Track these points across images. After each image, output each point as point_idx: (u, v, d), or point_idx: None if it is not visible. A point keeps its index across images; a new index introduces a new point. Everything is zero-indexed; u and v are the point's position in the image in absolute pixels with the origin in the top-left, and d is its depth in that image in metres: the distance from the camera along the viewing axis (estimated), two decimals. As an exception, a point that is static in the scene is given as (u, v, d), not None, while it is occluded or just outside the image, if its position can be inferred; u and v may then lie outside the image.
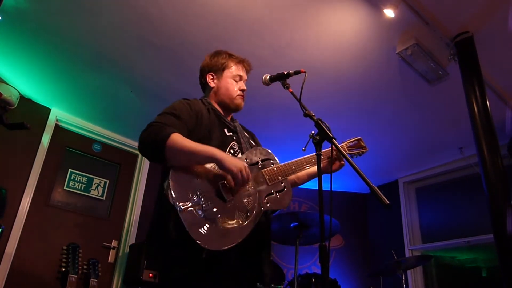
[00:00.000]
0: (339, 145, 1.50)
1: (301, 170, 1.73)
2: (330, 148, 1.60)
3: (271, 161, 1.70)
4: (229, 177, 1.48)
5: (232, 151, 1.67)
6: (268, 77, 1.79)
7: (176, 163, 1.47)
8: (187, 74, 3.39)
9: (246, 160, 1.63)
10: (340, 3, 2.69)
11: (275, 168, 1.66)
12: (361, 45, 3.00)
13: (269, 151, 1.75)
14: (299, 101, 1.59)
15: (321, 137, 1.49)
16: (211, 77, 1.87)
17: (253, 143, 1.85)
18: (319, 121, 1.50)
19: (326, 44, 3.02)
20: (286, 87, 1.72)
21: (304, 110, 1.57)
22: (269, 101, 3.58)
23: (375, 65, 3.18)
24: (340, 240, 5.04)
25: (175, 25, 2.91)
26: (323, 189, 1.38)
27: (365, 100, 3.61)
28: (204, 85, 1.91)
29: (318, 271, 3.74)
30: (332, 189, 1.36)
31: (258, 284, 1.56)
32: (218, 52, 1.91)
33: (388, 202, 1.23)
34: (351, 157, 1.95)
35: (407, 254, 4.55)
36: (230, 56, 1.90)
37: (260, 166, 1.65)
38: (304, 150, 1.65)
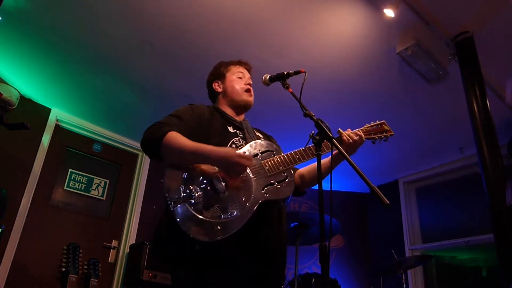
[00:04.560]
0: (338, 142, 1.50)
1: (305, 160, 1.69)
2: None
3: (273, 152, 1.67)
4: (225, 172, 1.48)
5: (233, 145, 1.67)
6: (268, 77, 1.80)
7: (171, 161, 1.50)
8: (187, 74, 3.39)
9: (245, 153, 1.61)
10: (340, 3, 2.69)
11: (276, 158, 1.63)
12: (361, 45, 3.00)
13: (272, 143, 1.73)
14: (299, 101, 1.59)
15: (321, 137, 1.48)
16: (216, 84, 1.92)
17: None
18: (319, 121, 1.50)
19: (326, 44, 3.02)
20: (286, 87, 1.72)
21: (304, 110, 1.56)
22: (269, 101, 3.58)
23: (375, 65, 3.18)
24: (340, 240, 5.04)
25: (175, 25, 2.91)
26: (323, 189, 1.38)
27: (365, 100, 3.61)
28: (213, 94, 1.94)
29: (318, 271, 3.74)
30: (332, 189, 1.35)
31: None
32: (216, 64, 2.00)
33: (388, 201, 1.22)
34: (373, 142, 1.93)
35: (407, 254, 4.54)
36: (229, 62, 1.98)
37: (259, 158, 1.63)
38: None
